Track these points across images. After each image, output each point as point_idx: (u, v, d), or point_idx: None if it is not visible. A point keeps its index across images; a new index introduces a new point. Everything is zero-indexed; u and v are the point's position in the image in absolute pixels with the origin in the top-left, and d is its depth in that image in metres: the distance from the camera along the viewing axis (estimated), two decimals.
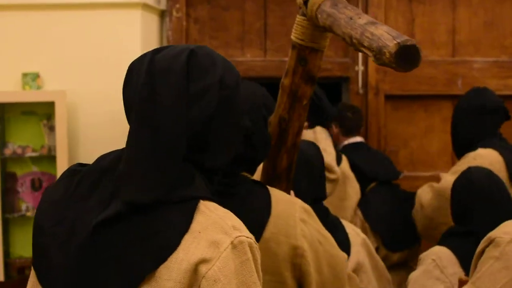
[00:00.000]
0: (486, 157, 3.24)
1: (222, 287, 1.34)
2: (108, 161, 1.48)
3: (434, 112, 4.60)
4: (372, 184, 3.84)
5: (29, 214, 4.12)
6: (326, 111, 3.63)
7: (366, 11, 4.48)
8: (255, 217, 1.83)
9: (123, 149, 1.47)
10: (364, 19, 1.73)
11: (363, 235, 2.84)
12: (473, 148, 3.33)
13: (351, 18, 1.76)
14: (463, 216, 2.66)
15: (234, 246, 1.37)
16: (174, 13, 4.43)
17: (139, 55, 3.58)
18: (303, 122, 2.14)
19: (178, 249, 1.35)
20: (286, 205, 1.90)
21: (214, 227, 1.38)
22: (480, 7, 4.68)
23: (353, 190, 3.68)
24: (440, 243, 2.67)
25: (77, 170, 1.50)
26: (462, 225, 2.66)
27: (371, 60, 4.38)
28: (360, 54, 4.48)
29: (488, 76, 4.58)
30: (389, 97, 4.58)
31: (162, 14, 4.50)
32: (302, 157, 2.37)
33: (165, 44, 4.46)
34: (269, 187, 1.93)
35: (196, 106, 1.44)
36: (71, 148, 4.12)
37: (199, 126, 1.45)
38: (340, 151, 3.78)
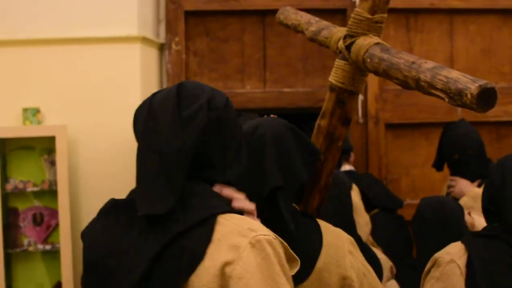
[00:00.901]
0: None
1: (246, 281, 1.53)
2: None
3: (435, 140, 4.64)
4: (375, 210, 3.91)
5: (31, 249, 4.16)
6: None
7: None
8: (309, 247, 2.00)
9: None
10: (430, 63, 1.88)
11: (390, 262, 2.95)
12: None
13: (413, 63, 1.90)
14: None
15: (252, 245, 1.56)
16: (173, 46, 4.53)
17: (139, 88, 3.69)
18: (336, 162, 2.26)
19: (204, 258, 1.55)
20: (335, 237, 2.05)
21: (232, 233, 1.58)
22: (477, 34, 4.79)
23: (363, 220, 3.73)
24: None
25: (115, 204, 1.71)
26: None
27: (370, 89, 4.49)
28: None
29: None
30: (389, 126, 4.65)
31: (162, 48, 4.59)
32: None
33: (164, 77, 4.57)
34: (317, 219, 2.11)
35: (189, 127, 1.66)
36: (72, 183, 4.16)
37: (197, 145, 1.66)
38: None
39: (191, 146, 1.66)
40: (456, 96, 1.76)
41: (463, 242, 2.37)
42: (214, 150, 1.71)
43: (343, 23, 4.57)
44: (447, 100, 1.79)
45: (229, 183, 1.74)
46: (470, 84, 1.76)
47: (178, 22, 4.56)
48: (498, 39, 4.80)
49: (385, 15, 2.13)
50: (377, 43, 2.07)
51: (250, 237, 1.58)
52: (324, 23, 2.55)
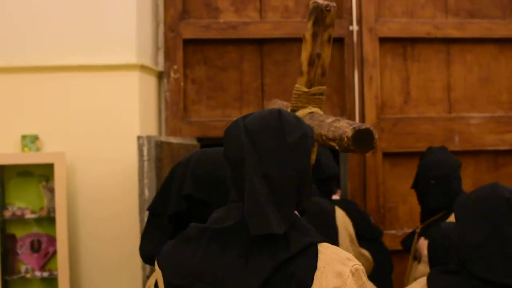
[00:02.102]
0: None
1: None
2: (233, 219, 1.74)
3: None
4: None
5: (28, 275, 4.22)
6: (323, 170, 3.78)
7: (361, 70, 4.71)
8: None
9: (232, 206, 1.78)
10: (330, 118, 2.08)
11: None
12: None
13: (322, 121, 2.11)
14: None
15: (352, 273, 1.71)
16: (172, 74, 4.65)
17: (138, 116, 3.82)
18: None
19: (312, 285, 1.67)
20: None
21: (333, 261, 1.71)
22: (474, 63, 4.92)
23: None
24: None
25: (200, 230, 1.77)
26: None
27: (368, 118, 4.61)
28: (356, 114, 4.70)
29: (485, 132, 4.78)
30: (387, 155, 4.76)
31: (160, 75, 4.70)
32: None
33: (163, 104, 4.68)
34: None
35: (296, 154, 1.74)
36: (70, 209, 4.25)
37: (303, 172, 1.76)
38: None
39: (300, 173, 1.75)
40: (339, 142, 1.96)
41: (427, 278, 2.47)
42: (307, 178, 1.79)
43: (340, 52, 4.72)
44: (337, 147, 1.99)
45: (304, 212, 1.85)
46: (347, 128, 1.93)
47: (176, 50, 4.68)
48: (495, 68, 4.93)
49: (323, 87, 2.30)
50: (310, 113, 2.25)
51: (350, 266, 1.72)
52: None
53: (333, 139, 1.99)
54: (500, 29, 4.90)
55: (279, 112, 1.79)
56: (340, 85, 4.78)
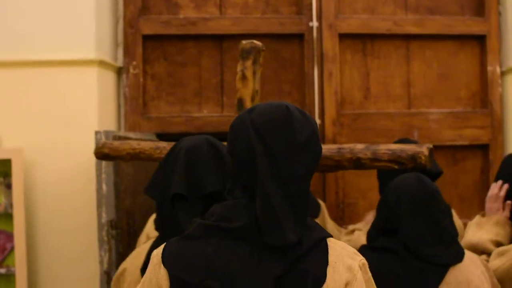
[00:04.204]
0: None
1: None
2: (243, 219, 1.78)
3: None
4: None
5: None
6: None
7: (321, 66, 4.88)
8: None
9: (239, 204, 1.82)
10: (365, 145, 2.52)
11: None
12: None
13: (375, 149, 2.48)
14: None
15: (360, 267, 1.81)
16: (131, 70, 4.78)
17: (97, 111, 3.94)
18: None
19: (326, 280, 1.74)
20: None
21: (342, 255, 1.80)
22: (434, 60, 5.11)
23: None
24: None
25: (206, 227, 1.81)
26: None
27: (328, 114, 4.80)
28: (316, 110, 4.86)
29: (444, 127, 4.97)
30: None
31: (119, 71, 4.83)
32: None
33: (122, 100, 4.81)
34: None
35: (306, 154, 1.79)
36: (28, 205, 4.34)
37: (312, 172, 1.84)
38: None
39: (311, 172, 1.81)
40: (415, 161, 2.27)
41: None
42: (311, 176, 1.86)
43: (300, 48, 4.89)
44: (409, 166, 2.22)
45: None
46: (418, 149, 2.29)
47: (136, 46, 4.80)
48: (454, 64, 5.13)
49: None
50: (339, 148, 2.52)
51: (358, 260, 1.82)
52: None
53: (406, 160, 2.21)
54: (459, 25, 5.09)
55: (287, 108, 1.82)
56: (299, 81, 4.93)
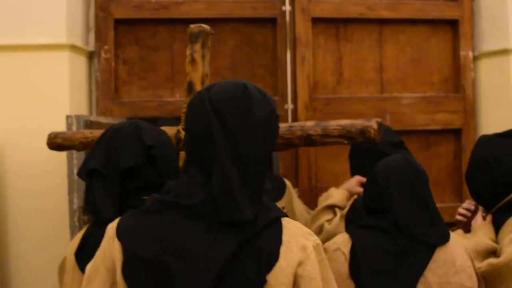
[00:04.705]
0: None
1: (317, 283, 1.80)
2: (199, 196, 1.80)
3: None
4: None
5: None
6: None
7: (294, 50, 4.91)
8: None
9: (194, 182, 1.83)
10: (322, 122, 2.56)
11: None
12: None
13: (325, 125, 2.51)
14: None
15: (314, 248, 1.83)
16: (103, 54, 4.78)
17: (68, 96, 3.93)
18: None
19: (279, 259, 1.77)
20: None
21: (297, 235, 1.83)
22: (407, 44, 5.16)
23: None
24: None
25: (162, 202, 1.83)
26: None
27: (300, 98, 4.84)
28: (289, 94, 4.90)
29: (416, 112, 5.03)
30: None
31: (91, 56, 4.83)
32: None
33: (93, 84, 4.81)
34: None
35: (265, 132, 1.82)
36: (0, 188, 4.36)
37: (270, 151, 1.87)
38: None
39: (268, 152, 1.84)
40: (364, 135, 2.35)
41: (348, 232, 2.87)
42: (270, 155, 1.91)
43: (273, 33, 4.92)
44: (359, 140, 2.28)
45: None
46: (367, 123, 2.35)
47: (107, 30, 4.81)
48: (427, 49, 5.18)
49: None
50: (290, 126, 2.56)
51: (312, 240, 1.84)
52: None
53: (356, 135, 2.26)
54: (432, 10, 5.13)
55: (245, 86, 1.86)
56: (272, 66, 4.97)
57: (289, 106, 4.87)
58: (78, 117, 3.98)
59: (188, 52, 2.74)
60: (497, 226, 3.35)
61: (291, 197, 4.28)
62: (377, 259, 2.77)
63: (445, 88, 5.20)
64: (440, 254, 2.82)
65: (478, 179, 3.43)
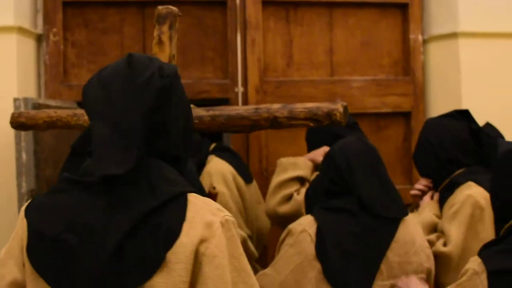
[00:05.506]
0: None
1: (220, 261, 1.74)
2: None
3: None
4: None
5: None
6: None
7: (244, 33, 4.96)
8: None
9: None
10: (289, 105, 2.53)
11: None
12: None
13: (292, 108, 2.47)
14: None
15: (222, 224, 1.78)
16: (51, 37, 4.78)
17: (16, 79, 3.93)
18: None
19: (180, 235, 1.72)
20: None
21: (203, 211, 1.79)
22: (356, 28, 5.24)
23: None
24: None
25: (69, 180, 1.83)
26: None
27: (251, 81, 4.90)
28: (239, 77, 4.95)
29: (366, 95, 5.13)
30: None
31: (39, 38, 4.82)
32: None
33: (42, 68, 4.81)
34: None
35: (143, 94, 1.80)
36: None
37: (152, 112, 1.81)
38: None
39: (147, 113, 1.78)
40: (330, 118, 2.37)
41: (312, 214, 2.93)
42: (168, 119, 1.86)
43: (223, 16, 4.96)
44: (325, 123, 2.36)
45: (180, 159, 1.91)
46: (332, 106, 2.38)
47: (56, 12, 4.80)
48: (377, 32, 5.28)
49: None
50: (192, 107, 2.57)
51: (220, 216, 1.79)
52: None
53: (322, 117, 2.34)
54: None
55: (130, 55, 1.89)
56: (222, 48, 5.01)
57: (240, 89, 4.92)
58: (26, 100, 3.98)
59: (155, 33, 2.79)
60: (442, 204, 3.50)
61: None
62: (342, 240, 2.89)
63: (395, 71, 5.30)
64: (401, 234, 2.96)
65: (424, 159, 3.61)
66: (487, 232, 3.28)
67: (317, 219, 2.96)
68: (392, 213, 2.97)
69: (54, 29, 4.79)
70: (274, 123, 2.44)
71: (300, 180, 4.00)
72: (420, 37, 5.27)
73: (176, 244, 1.71)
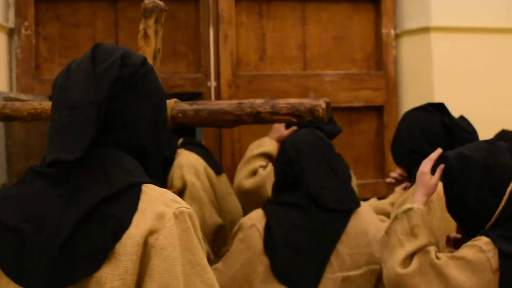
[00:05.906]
0: None
1: (168, 253, 1.68)
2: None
3: None
4: None
5: None
6: None
7: (217, 28, 4.99)
8: None
9: None
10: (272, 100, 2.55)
11: None
12: None
13: (275, 103, 2.49)
14: None
15: (176, 216, 1.72)
16: (23, 31, 4.78)
17: None
18: None
19: (130, 226, 1.68)
20: None
21: (157, 202, 1.74)
22: (329, 22, 5.29)
23: None
24: None
25: (33, 171, 1.83)
26: None
27: (223, 75, 4.95)
28: (212, 71, 4.97)
29: (339, 89, 5.17)
30: None
31: (11, 32, 4.82)
32: None
33: (14, 62, 4.81)
34: None
35: (101, 82, 1.78)
36: None
37: (108, 99, 1.79)
38: None
39: (102, 100, 1.76)
40: (313, 114, 2.38)
41: (262, 208, 3.02)
42: (129, 109, 1.85)
43: (196, 10, 4.98)
44: (309, 119, 2.42)
45: (146, 150, 1.89)
46: (315, 102, 2.40)
47: (27, 6, 4.79)
48: (349, 27, 5.32)
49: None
50: (175, 101, 2.58)
51: (174, 208, 1.73)
52: None
53: (304, 113, 2.38)
54: None
55: (96, 45, 1.90)
56: (195, 43, 5.02)
57: (212, 83, 4.95)
58: None
59: (141, 27, 2.82)
60: None
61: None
62: (291, 235, 2.94)
63: (367, 65, 5.36)
64: (353, 226, 3.00)
65: (396, 150, 3.68)
66: (437, 224, 3.32)
67: (266, 214, 3.03)
68: (344, 204, 3.02)
69: (26, 23, 4.79)
70: (257, 118, 2.47)
71: (267, 156, 4.06)
72: (392, 32, 5.32)
73: (125, 235, 1.68)
